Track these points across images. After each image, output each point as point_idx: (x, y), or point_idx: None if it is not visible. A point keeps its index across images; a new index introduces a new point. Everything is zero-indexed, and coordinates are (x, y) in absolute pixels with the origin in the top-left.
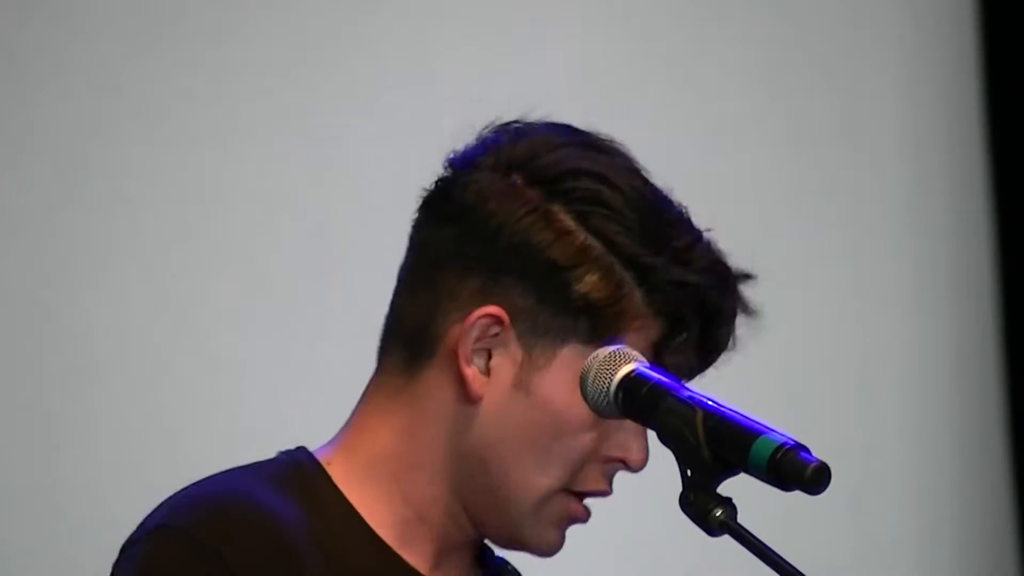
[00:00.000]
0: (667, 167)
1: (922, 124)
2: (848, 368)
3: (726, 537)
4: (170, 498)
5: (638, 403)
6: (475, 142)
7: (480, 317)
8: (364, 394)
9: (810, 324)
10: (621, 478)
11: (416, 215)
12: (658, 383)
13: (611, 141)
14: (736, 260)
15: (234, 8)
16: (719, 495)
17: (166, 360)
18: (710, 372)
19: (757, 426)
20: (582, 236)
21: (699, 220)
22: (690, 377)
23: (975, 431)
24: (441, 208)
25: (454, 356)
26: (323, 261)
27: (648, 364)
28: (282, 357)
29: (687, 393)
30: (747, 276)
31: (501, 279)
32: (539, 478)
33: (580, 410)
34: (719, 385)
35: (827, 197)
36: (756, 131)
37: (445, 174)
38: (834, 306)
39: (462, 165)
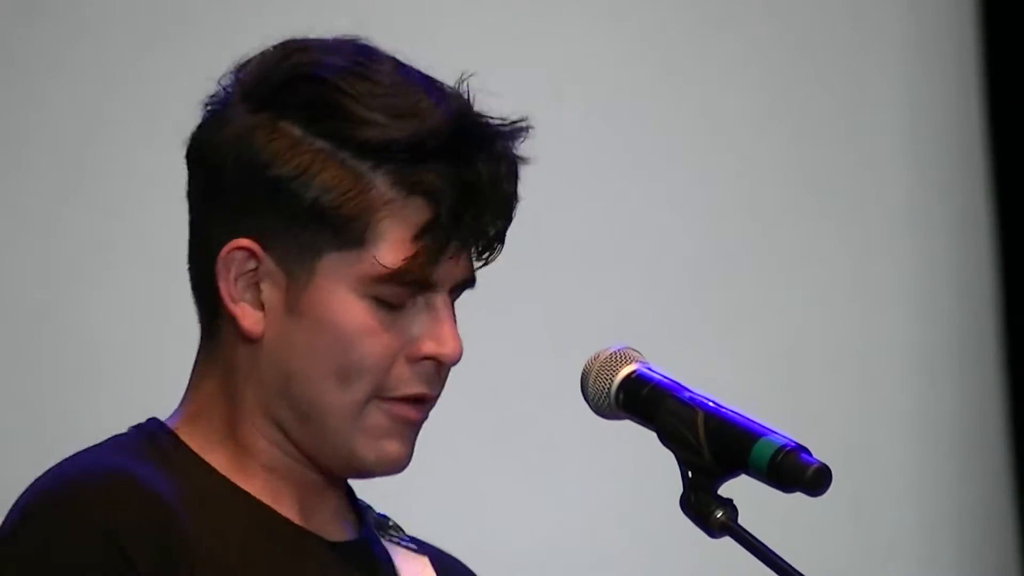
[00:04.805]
0: (667, 167)
1: (922, 124)
2: (848, 368)
3: (727, 538)
4: (43, 476)
5: (639, 404)
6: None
7: (228, 252)
8: (195, 360)
9: (810, 324)
10: (621, 476)
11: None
12: (659, 384)
13: (345, 39)
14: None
15: (234, 8)
16: (720, 496)
17: (166, 360)
18: (711, 371)
19: (758, 427)
20: (307, 142)
21: (699, 219)
22: (480, 257)
23: (975, 431)
24: (191, 159)
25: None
26: None
27: (648, 365)
28: None
29: (688, 394)
30: (513, 127)
31: (246, 210)
32: (343, 395)
33: (357, 316)
34: (719, 385)
35: (827, 197)
36: (756, 131)
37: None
38: (834, 306)
39: (203, 110)
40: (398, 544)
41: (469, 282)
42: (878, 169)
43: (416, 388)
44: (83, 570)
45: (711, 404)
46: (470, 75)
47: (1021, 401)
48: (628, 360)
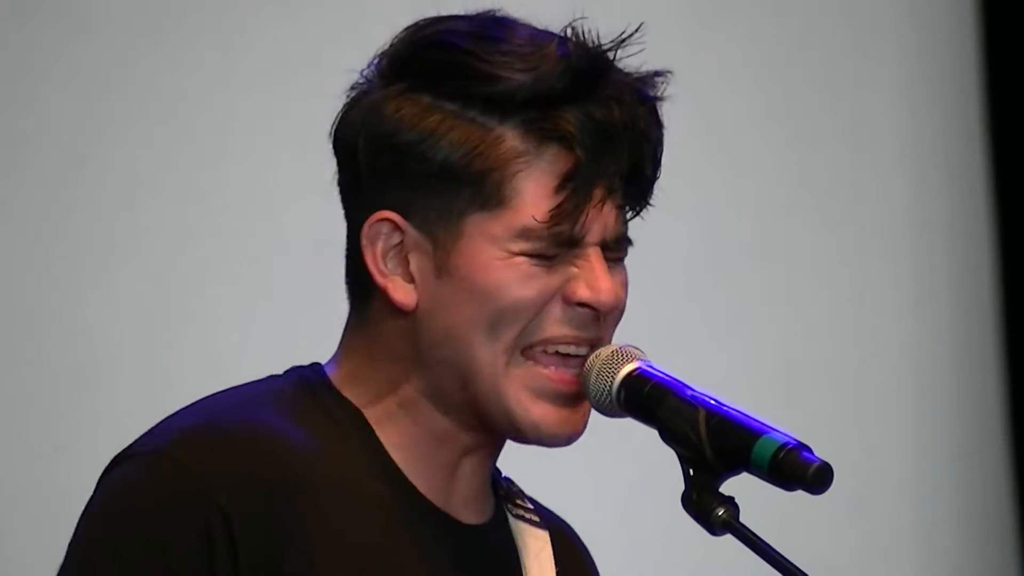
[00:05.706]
0: (667, 168)
1: (922, 124)
2: (847, 367)
3: (728, 536)
4: (176, 416)
5: (640, 402)
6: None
7: (370, 226)
8: (344, 334)
9: (810, 324)
10: (622, 474)
11: None
12: (661, 382)
13: (476, 13)
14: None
15: (234, 8)
16: (721, 494)
17: (166, 360)
18: (710, 370)
19: (760, 425)
20: (435, 107)
21: (698, 219)
22: (634, 206)
23: (975, 431)
24: (334, 147)
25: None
26: (323, 261)
27: (649, 363)
28: (282, 357)
29: (690, 392)
30: (647, 72)
31: (381, 182)
32: (492, 344)
33: (509, 272)
34: (718, 385)
35: (827, 197)
36: (756, 132)
37: None
38: (833, 305)
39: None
40: (522, 519)
41: (623, 240)
42: (877, 169)
43: (564, 329)
44: (169, 525)
45: (713, 402)
46: (583, 19)
47: (1021, 401)
48: (630, 358)
